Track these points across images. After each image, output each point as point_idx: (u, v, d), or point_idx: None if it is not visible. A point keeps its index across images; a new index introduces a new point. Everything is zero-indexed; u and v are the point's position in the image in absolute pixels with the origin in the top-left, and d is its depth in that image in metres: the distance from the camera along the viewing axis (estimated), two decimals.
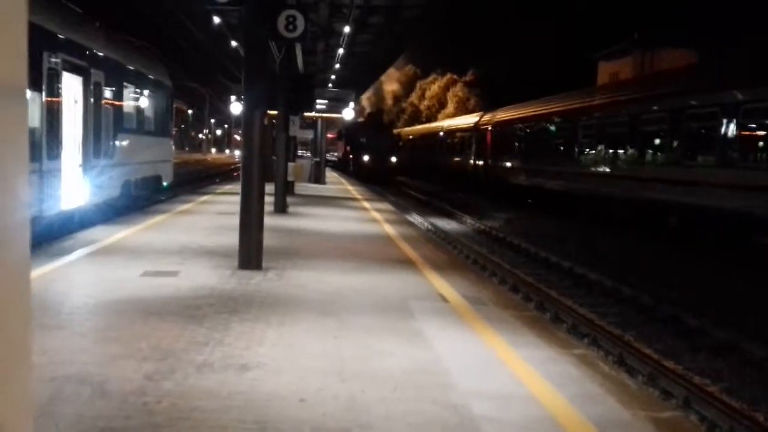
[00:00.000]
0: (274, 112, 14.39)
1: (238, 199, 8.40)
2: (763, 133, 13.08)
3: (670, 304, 9.20)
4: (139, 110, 14.81)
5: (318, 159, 27.44)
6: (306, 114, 20.11)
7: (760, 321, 8.20)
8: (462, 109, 57.98)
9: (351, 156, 41.83)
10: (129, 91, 13.90)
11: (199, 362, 4.56)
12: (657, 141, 16.22)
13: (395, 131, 48.16)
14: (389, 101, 75.80)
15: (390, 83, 74.90)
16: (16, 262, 1.06)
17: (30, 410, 1.16)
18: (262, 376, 4.37)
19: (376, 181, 34.22)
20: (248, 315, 5.87)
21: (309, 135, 27.31)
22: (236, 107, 20.50)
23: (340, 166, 46.97)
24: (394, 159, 39.19)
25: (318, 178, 26.45)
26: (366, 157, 38.56)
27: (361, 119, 50.51)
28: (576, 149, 20.10)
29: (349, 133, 43.96)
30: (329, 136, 40.85)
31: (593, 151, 19.01)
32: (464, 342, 5.46)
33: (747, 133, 13.22)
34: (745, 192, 12.49)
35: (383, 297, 6.91)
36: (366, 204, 19.05)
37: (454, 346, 5.32)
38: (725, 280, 11.18)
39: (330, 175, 33.73)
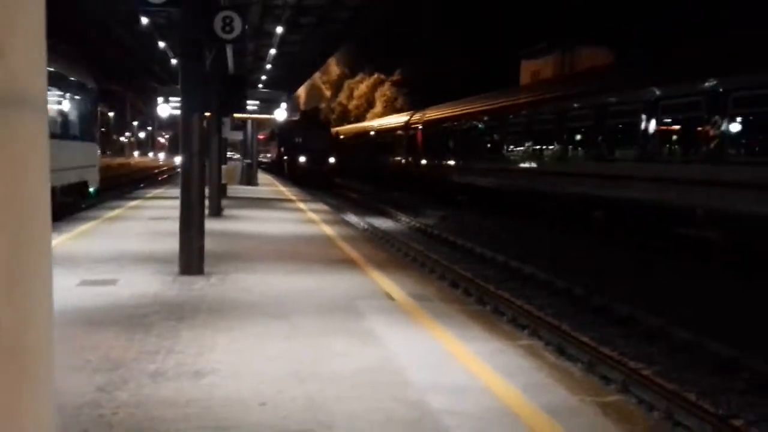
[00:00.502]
0: (207, 114, 14.14)
1: (169, 203, 8.28)
2: (678, 127, 13.81)
3: (600, 294, 9.61)
4: (62, 114, 14.25)
5: (249, 161, 27.10)
6: (237, 115, 19.84)
7: (685, 307, 8.69)
8: (390, 109, 58.36)
9: (285, 157, 39.38)
10: (51, 95, 13.36)
11: (152, 371, 4.48)
12: (581, 137, 16.85)
13: (333, 130, 44.63)
14: (327, 95, 72.84)
15: (328, 76, 71.74)
16: (40, 260, 1.08)
17: (54, 403, 1.19)
18: (218, 382, 4.35)
19: (313, 184, 32.54)
20: (196, 321, 5.80)
21: (239, 136, 26.92)
22: (163, 109, 20.06)
23: (274, 169, 44.01)
24: (332, 160, 36.45)
25: (250, 180, 26.13)
26: (302, 159, 35.98)
27: (295, 118, 47.08)
28: (504, 146, 20.63)
29: (282, 132, 41.27)
30: (260, 137, 40.07)
31: (521, 148, 19.57)
32: (415, 338, 5.57)
33: (665, 128, 13.93)
34: (663, 184, 13.17)
35: (330, 297, 6.94)
36: (301, 205, 18.96)
37: (405, 343, 5.42)
38: (650, 269, 11.76)
39: (263, 177, 33.34)
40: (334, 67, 68.52)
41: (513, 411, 4.10)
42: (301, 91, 67.96)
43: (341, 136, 47.17)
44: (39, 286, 1.08)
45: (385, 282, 7.93)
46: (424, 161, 28.30)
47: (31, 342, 1.04)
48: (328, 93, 71.89)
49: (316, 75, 59.12)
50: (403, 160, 31.39)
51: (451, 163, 24.91)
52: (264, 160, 53.53)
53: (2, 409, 1.00)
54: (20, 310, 1.02)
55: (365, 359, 4.95)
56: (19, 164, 0.99)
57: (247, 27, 8.24)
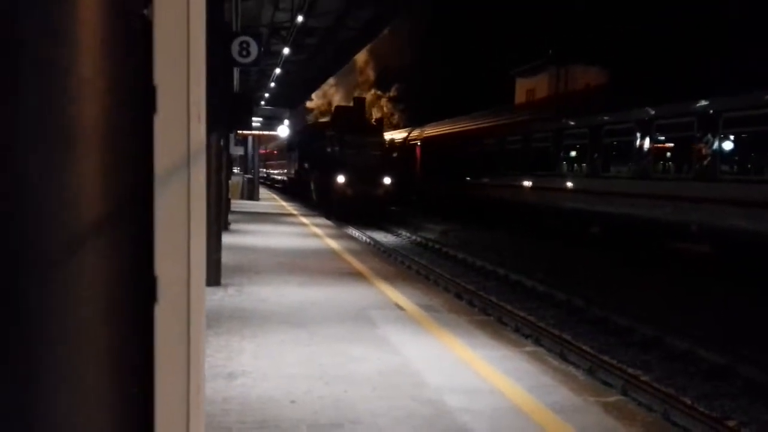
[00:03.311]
0: None
1: None
2: (671, 145, 14.29)
3: (599, 306, 9.99)
4: None
5: (251, 176, 27.52)
6: (240, 131, 20.28)
7: (678, 317, 9.08)
8: (387, 124, 58.85)
9: (312, 177, 27.03)
10: None
11: None
12: (579, 155, 17.32)
13: (388, 135, 29.24)
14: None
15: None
16: (197, 288, 1.47)
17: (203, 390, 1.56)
18: (250, 383, 4.70)
19: (362, 218, 22.61)
20: (221, 329, 6.15)
21: (239, 152, 27.35)
22: None
23: (292, 190, 32.72)
24: (387, 181, 23.64)
25: (251, 194, 26.52)
26: (340, 179, 23.09)
27: (324, 119, 34.51)
28: (504, 163, 21.08)
29: (305, 140, 29.23)
30: (262, 151, 39.28)
31: (520, 164, 20.02)
32: (427, 345, 5.94)
33: (659, 146, 14.40)
34: (657, 201, 13.61)
35: (343, 308, 7.31)
36: (304, 219, 19.33)
37: (418, 349, 5.78)
38: (643, 281, 12.16)
39: (263, 192, 33.50)
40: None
41: (523, 409, 4.47)
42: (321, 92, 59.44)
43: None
44: (195, 307, 1.47)
45: (393, 293, 8.30)
46: (423, 175, 28.58)
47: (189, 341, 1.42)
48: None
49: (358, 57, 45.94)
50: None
51: (453, 178, 25.09)
52: (279, 177, 41.77)
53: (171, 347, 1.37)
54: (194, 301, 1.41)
55: (382, 364, 5.31)
56: (202, 185, 1.40)
57: (261, 50, 8.67)
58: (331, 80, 45.08)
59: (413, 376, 5.03)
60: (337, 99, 60.46)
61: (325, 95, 63.84)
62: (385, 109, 65.00)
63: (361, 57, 55.82)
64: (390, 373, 5.09)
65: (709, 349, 7.54)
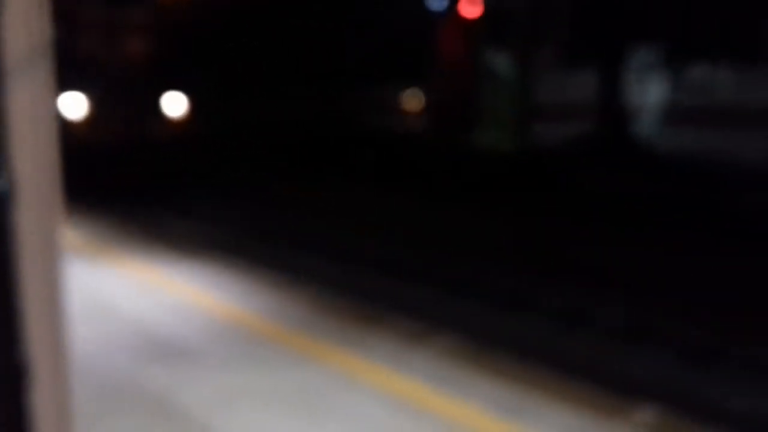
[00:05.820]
0: None
1: None
2: None
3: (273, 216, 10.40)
4: None
5: None
6: None
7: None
8: None
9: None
10: None
11: None
12: None
13: None
14: None
15: None
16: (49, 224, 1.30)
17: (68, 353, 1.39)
18: None
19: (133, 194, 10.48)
20: None
21: None
22: None
23: None
24: (179, 104, 12.10)
25: None
26: (71, 105, 11.00)
27: None
28: None
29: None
30: None
31: None
32: (108, 271, 5.73)
33: None
34: None
35: None
36: None
37: (104, 277, 5.56)
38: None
39: None
40: None
41: (228, 316, 4.62)
42: None
43: None
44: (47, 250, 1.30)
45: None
46: None
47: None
48: None
49: None
50: None
51: None
52: None
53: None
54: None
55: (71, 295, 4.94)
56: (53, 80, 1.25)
57: None
58: None
59: (105, 303, 4.86)
60: None
61: None
62: None
63: None
64: (81, 302, 4.80)
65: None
